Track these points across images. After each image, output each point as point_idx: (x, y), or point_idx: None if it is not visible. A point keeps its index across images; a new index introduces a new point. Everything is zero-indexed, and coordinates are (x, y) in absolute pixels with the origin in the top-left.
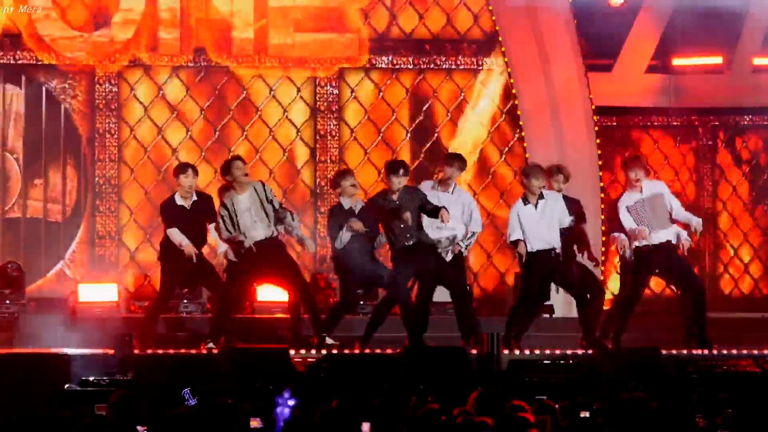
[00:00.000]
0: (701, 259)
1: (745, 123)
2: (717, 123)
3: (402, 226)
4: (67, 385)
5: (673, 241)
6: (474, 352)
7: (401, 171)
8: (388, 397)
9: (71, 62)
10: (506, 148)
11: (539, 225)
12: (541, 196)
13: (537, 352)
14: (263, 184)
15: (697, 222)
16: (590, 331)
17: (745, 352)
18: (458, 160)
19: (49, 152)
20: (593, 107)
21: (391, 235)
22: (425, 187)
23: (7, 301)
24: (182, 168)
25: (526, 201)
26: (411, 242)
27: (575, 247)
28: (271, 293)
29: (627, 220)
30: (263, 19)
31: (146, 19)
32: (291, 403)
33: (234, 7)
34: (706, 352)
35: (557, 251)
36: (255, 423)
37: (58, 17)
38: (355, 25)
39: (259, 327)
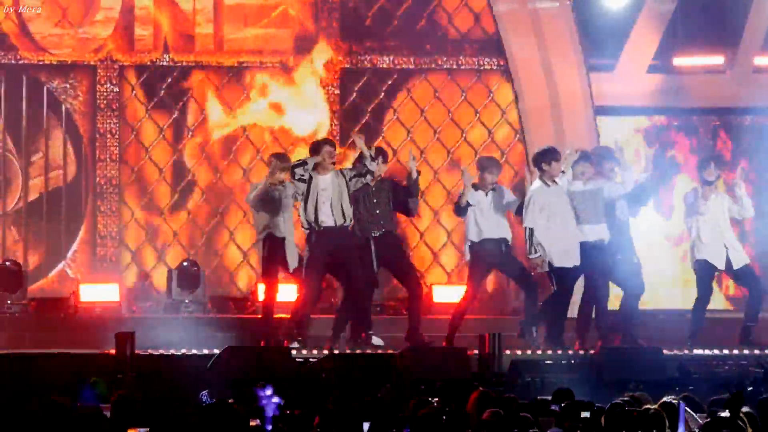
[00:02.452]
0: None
1: (747, 123)
2: (718, 123)
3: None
4: None
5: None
6: (476, 352)
7: (380, 158)
8: (389, 396)
9: (59, 59)
10: (507, 149)
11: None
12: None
13: (539, 352)
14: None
15: None
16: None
17: (746, 352)
18: (586, 156)
19: (49, 153)
20: (595, 107)
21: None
22: (563, 183)
23: (9, 301)
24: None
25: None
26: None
27: None
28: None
29: None
30: (265, 19)
31: (123, 16)
32: (275, 400)
33: (198, 5)
34: (707, 352)
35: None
36: (254, 423)
37: (47, 15)
38: (358, 26)
39: (260, 327)
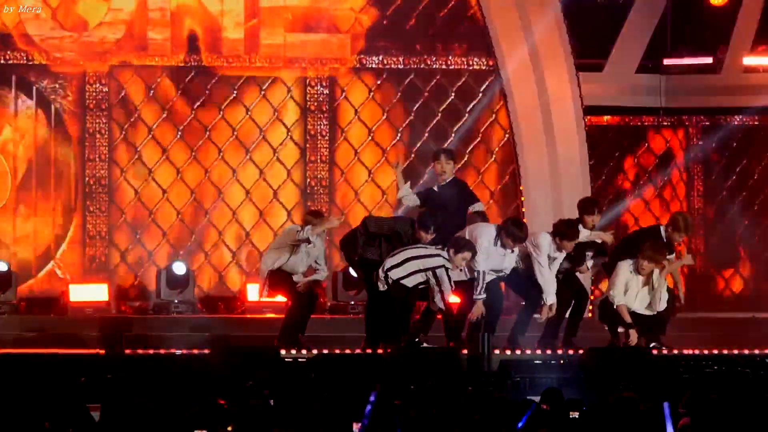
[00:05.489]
0: (693, 259)
1: (736, 123)
2: (707, 123)
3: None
4: None
5: None
6: (465, 352)
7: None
8: (380, 397)
9: (61, 62)
10: (496, 149)
11: None
12: None
13: (528, 352)
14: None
15: None
16: (572, 332)
17: (735, 352)
18: None
19: (39, 152)
20: (584, 107)
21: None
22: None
23: None
24: None
25: None
26: None
27: None
28: None
29: None
30: (254, 20)
31: (136, 19)
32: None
33: (225, 7)
34: (697, 352)
35: None
36: None
37: (48, 17)
38: (346, 26)
39: (250, 327)
